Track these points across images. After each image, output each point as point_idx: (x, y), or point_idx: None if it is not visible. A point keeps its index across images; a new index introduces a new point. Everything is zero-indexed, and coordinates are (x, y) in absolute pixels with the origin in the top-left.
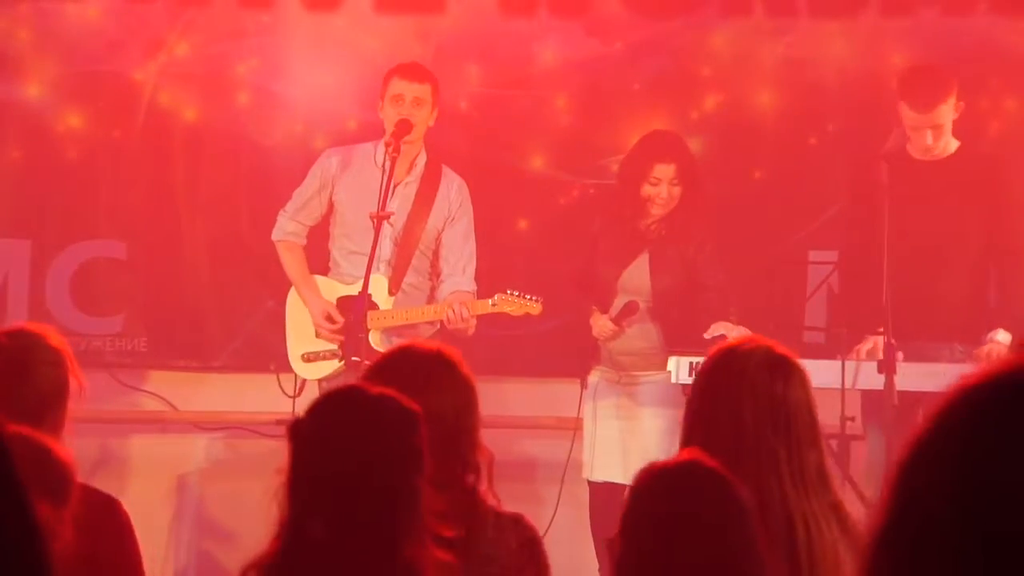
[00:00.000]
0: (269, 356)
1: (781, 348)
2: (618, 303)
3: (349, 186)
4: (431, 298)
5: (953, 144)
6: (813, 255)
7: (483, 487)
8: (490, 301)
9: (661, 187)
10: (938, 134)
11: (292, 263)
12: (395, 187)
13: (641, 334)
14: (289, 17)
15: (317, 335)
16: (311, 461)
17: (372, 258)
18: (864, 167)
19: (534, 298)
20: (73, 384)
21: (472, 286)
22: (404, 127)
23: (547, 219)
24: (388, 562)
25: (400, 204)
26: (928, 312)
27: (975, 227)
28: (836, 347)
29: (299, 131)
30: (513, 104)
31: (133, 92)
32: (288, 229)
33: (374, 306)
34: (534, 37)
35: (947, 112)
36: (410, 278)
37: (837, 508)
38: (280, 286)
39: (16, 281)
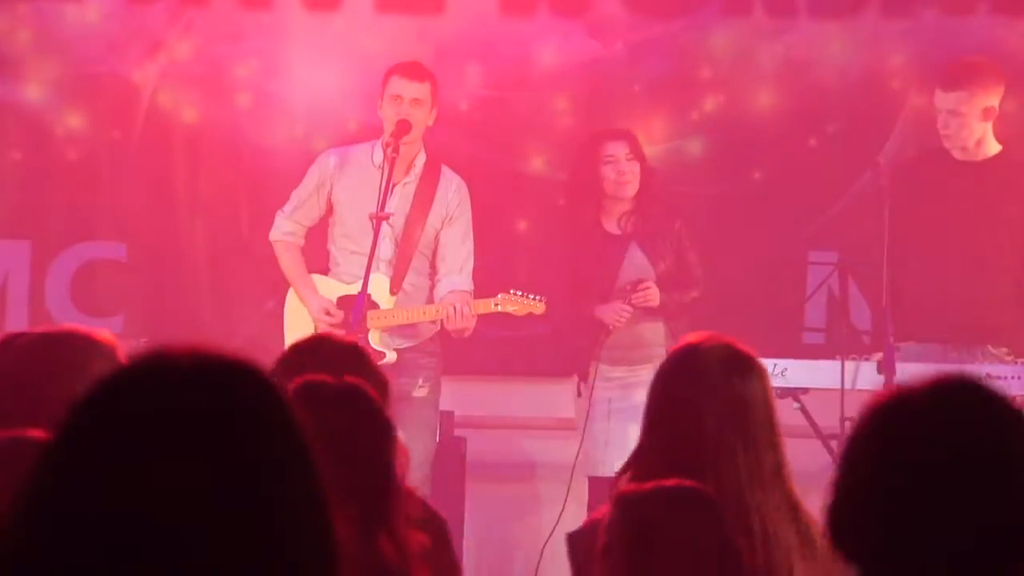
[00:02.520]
0: (269, 356)
1: (741, 345)
2: (620, 285)
3: (347, 186)
4: (431, 298)
5: (993, 147)
6: (813, 256)
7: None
8: (493, 301)
9: (620, 163)
10: (953, 122)
11: (289, 263)
12: (394, 187)
13: (650, 330)
14: (289, 18)
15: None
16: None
17: (372, 258)
18: (866, 168)
19: (537, 297)
20: None
21: (469, 285)
22: (403, 127)
23: (547, 220)
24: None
25: (399, 204)
26: (961, 313)
27: (1009, 233)
28: (836, 347)
29: (299, 132)
30: (513, 105)
31: (133, 93)
32: (285, 229)
33: (375, 306)
34: (534, 38)
35: (967, 103)
36: (411, 278)
37: (793, 504)
38: (280, 287)
39: (16, 282)
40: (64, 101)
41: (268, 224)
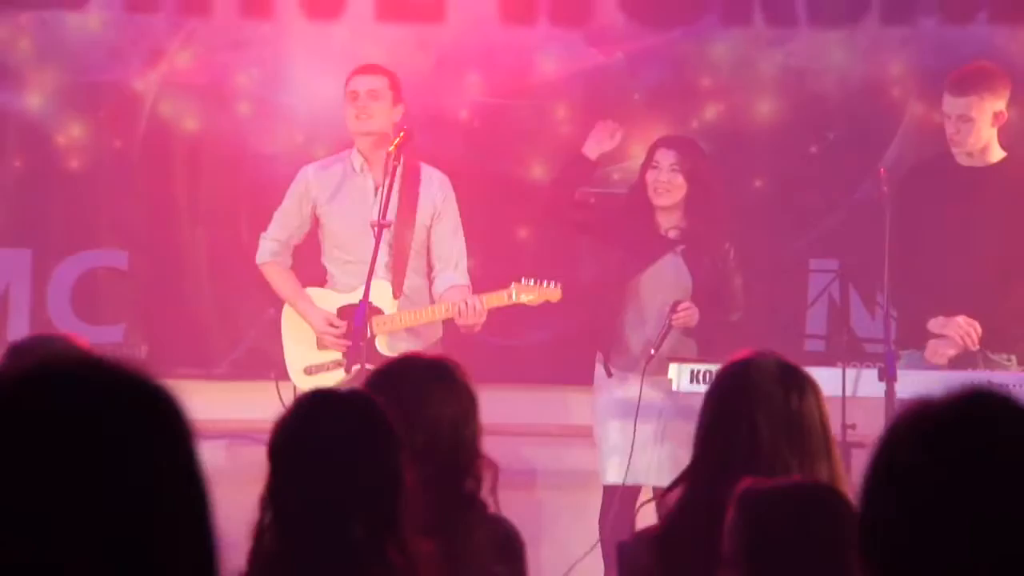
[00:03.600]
0: (270, 364)
1: (793, 360)
2: (640, 311)
3: (331, 198)
4: (432, 298)
5: (997, 153)
6: (814, 263)
7: (484, 495)
8: (507, 292)
9: (661, 171)
10: (964, 127)
11: (281, 282)
12: (377, 190)
13: (683, 345)
14: (290, 27)
15: (320, 345)
16: (297, 467)
17: (372, 267)
18: (867, 176)
19: (552, 283)
20: None
21: (466, 279)
22: (406, 137)
23: (547, 228)
24: (379, 555)
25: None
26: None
27: (1011, 239)
28: (837, 355)
29: (300, 141)
30: (514, 113)
31: (134, 102)
32: (272, 250)
33: (379, 311)
34: (535, 47)
35: (978, 107)
36: (411, 280)
37: None
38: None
39: (17, 291)
40: (65, 110)
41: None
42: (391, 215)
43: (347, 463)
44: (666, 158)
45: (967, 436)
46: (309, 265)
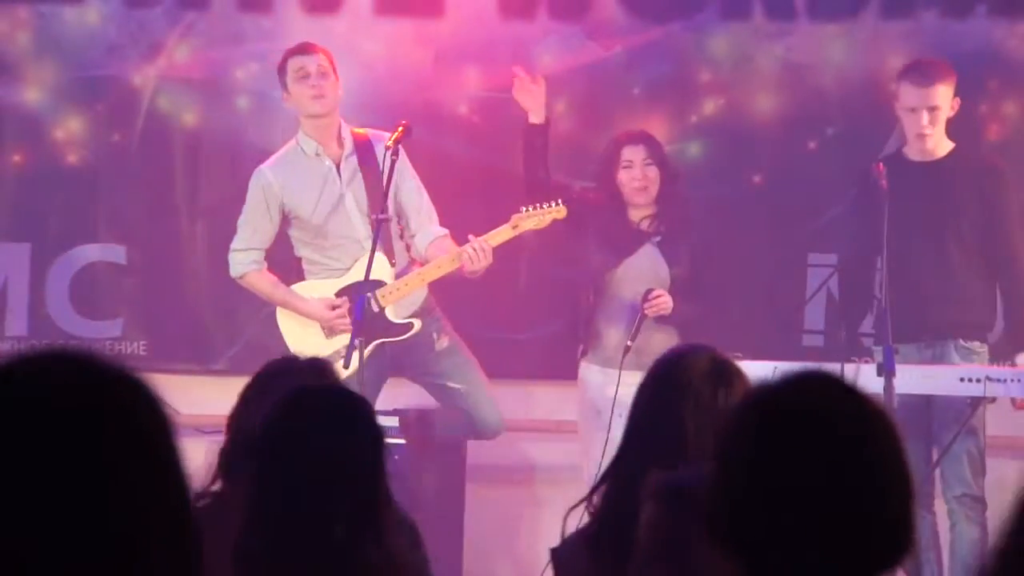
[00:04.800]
0: (269, 359)
1: (725, 355)
2: (616, 305)
3: (296, 189)
4: (417, 256)
5: (947, 145)
6: (812, 258)
7: None
8: (510, 225)
9: (635, 169)
10: (934, 118)
11: (265, 286)
12: (338, 166)
13: (662, 339)
14: (289, 21)
15: (329, 334)
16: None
17: (372, 255)
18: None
19: (555, 202)
20: None
21: (444, 231)
22: (405, 132)
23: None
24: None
25: (350, 180)
26: (928, 311)
27: (970, 228)
28: (835, 350)
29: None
30: (512, 108)
31: (133, 96)
32: (248, 260)
33: (381, 283)
34: (533, 41)
35: (945, 96)
36: (398, 246)
37: None
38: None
39: (16, 285)
40: (64, 104)
41: None
42: (358, 188)
43: (331, 462)
44: (637, 154)
45: (796, 424)
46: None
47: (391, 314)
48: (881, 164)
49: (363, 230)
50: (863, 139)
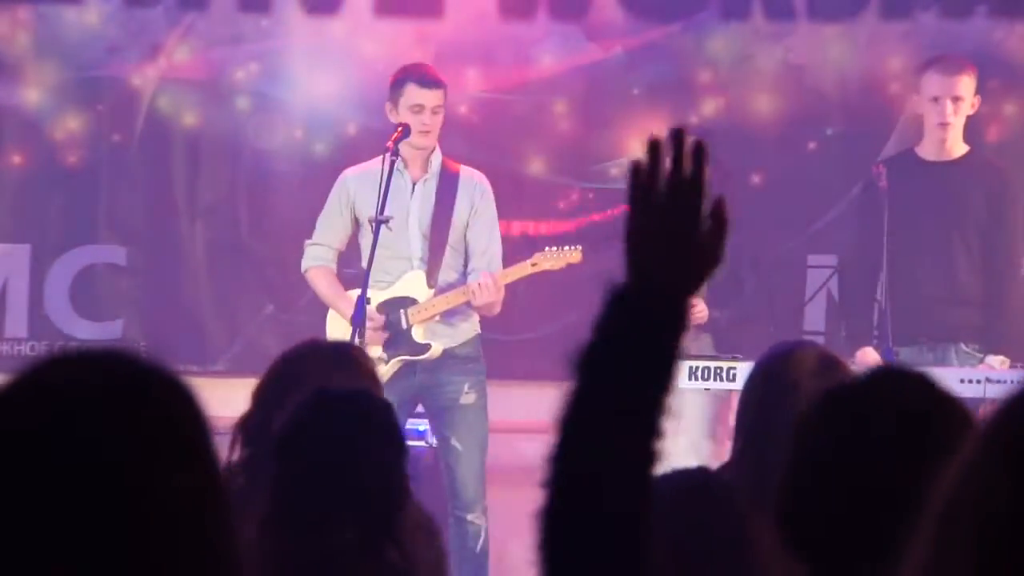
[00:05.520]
0: (268, 360)
1: (830, 351)
2: None
3: (367, 194)
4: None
5: (962, 147)
6: (812, 259)
7: None
8: (530, 262)
9: None
10: (957, 108)
11: (323, 286)
12: (414, 185)
13: (698, 340)
14: (289, 22)
15: (368, 342)
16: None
17: (371, 261)
18: (864, 171)
19: (573, 247)
20: None
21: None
22: (403, 131)
23: (546, 223)
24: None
25: (422, 201)
26: (931, 314)
27: (977, 232)
28: (835, 351)
29: (298, 136)
30: (512, 108)
31: (133, 97)
32: (316, 255)
33: (414, 301)
34: (533, 41)
35: (968, 87)
36: (446, 274)
37: None
38: (280, 291)
39: (16, 286)
40: (64, 105)
41: (268, 227)
42: (426, 210)
43: (346, 464)
44: None
45: (858, 406)
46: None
47: (417, 333)
48: (881, 165)
49: (419, 251)
50: (863, 139)
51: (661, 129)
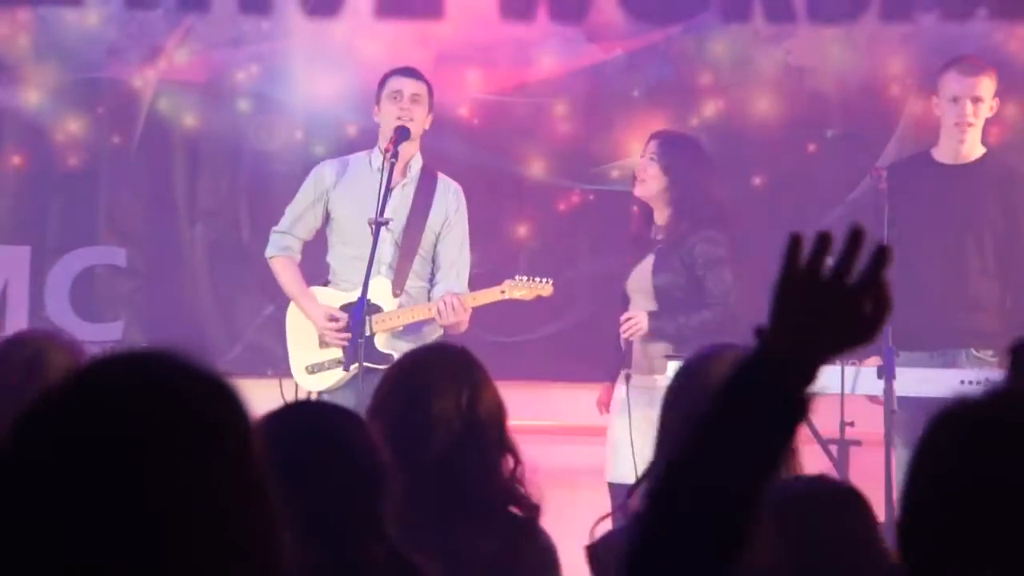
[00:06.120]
0: (268, 362)
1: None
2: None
3: (346, 193)
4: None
5: (979, 149)
6: None
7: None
8: (500, 289)
9: (643, 158)
10: (977, 109)
11: (288, 278)
12: (391, 189)
13: (660, 349)
14: (289, 24)
15: (322, 344)
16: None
17: (371, 262)
18: (864, 173)
19: (545, 280)
20: None
21: (464, 289)
22: (402, 133)
23: (546, 225)
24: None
25: (398, 206)
26: (943, 318)
27: (992, 236)
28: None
29: (299, 138)
30: (513, 110)
31: (133, 98)
32: (283, 244)
33: (378, 309)
34: (534, 43)
35: (988, 89)
36: (413, 281)
37: None
38: (280, 292)
39: (16, 287)
40: (64, 106)
41: (268, 229)
42: (401, 215)
43: (329, 462)
44: (648, 148)
45: (1008, 436)
46: (315, 263)
47: (380, 342)
48: (880, 167)
49: (388, 257)
50: (863, 142)
51: (661, 131)
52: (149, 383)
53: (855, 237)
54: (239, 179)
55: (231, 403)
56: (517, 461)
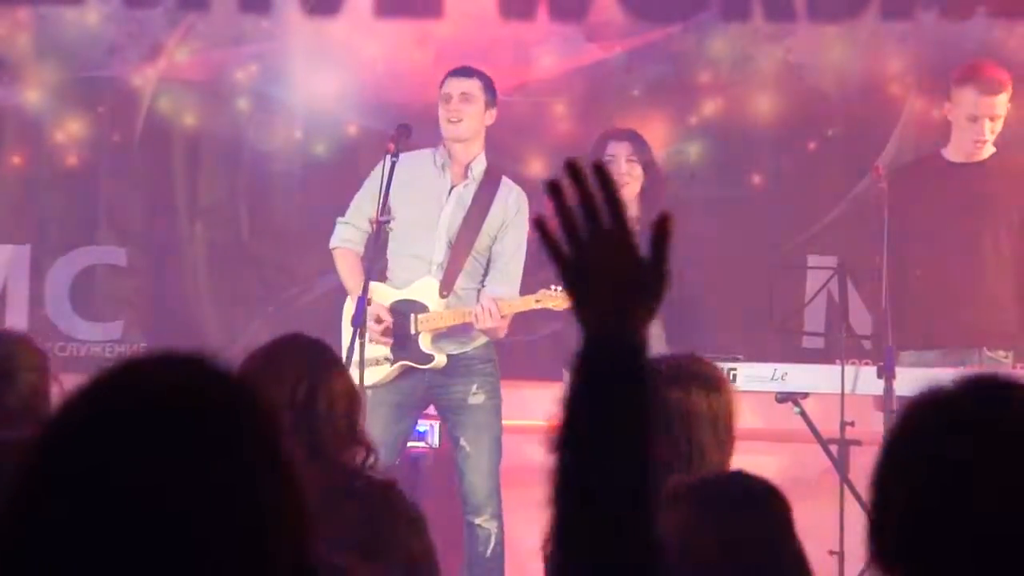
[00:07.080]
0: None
1: (693, 360)
2: None
3: (406, 190)
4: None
5: (990, 147)
6: (812, 260)
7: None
8: (534, 298)
9: (618, 163)
10: (995, 127)
11: (345, 270)
12: (451, 190)
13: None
14: (289, 23)
15: (369, 340)
16: None
17: (371, 263)
18: (866, 172)
19: None
20: (55, 389)
21: (514, 294)
22: (403, 131)
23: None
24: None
25: (455, 207)
26: (956, 318)
27: (1008, 233)
28: (835, 352)
29: (298, 137)
30: (512, 109)
31: (133, 97)
32: (344, 236)
33: (424, 308)
34: (533, 42)
35: (1005, 103)
36: (463, 282)
37: None
38: (280, 291)
39: (16, 287)
40: (64, 105)
41: (268, 228)
42: (457, 216)
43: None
44: (621, 149)
45: (979, 424)
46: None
47: (424, 342)
48: (880, 166)
49: (440, 257)
50: (863, 140)
51: (661, 130)
52: (187, 391)
53: (572, 172)
54: (239, 178)
55: (258, 403)
56: (368, 453)
